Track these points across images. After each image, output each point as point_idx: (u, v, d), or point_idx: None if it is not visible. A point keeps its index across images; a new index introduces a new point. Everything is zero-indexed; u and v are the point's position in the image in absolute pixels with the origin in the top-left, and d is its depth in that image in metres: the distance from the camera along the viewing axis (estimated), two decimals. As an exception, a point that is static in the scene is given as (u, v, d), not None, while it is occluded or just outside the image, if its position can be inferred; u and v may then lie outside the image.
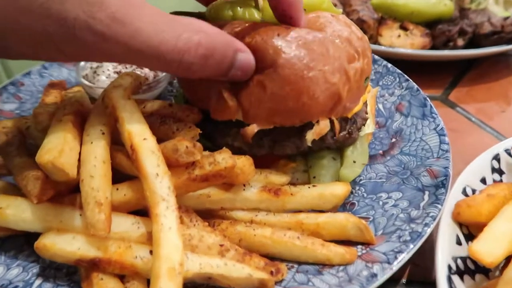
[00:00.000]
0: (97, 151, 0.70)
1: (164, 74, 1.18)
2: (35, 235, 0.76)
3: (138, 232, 0.69)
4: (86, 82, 1.13)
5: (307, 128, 0.82)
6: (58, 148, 0.66)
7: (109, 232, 0.64)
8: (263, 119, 0.79)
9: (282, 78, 0.75)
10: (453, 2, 1.53)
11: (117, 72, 1.17)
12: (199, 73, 0.69)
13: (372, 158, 0.97)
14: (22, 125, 0.90)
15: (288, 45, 0.76)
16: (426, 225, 0.73)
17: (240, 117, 0.81)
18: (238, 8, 0.88)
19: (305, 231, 0.76)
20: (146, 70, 1.19)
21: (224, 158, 0.71)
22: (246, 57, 0.73)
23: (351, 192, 0.88)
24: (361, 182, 0.91)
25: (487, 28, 1.36)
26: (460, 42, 1.37)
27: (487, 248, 0.64)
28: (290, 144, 0.83)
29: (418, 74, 1.23)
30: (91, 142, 0.72)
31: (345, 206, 0.86)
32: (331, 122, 0.81)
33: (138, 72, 1.16)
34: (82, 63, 1.20)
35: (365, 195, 0.88)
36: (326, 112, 0.79)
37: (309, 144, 0.81)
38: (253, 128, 0.80)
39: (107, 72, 1.16)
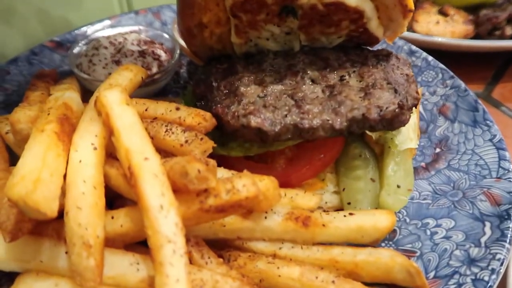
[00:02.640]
0: (87, 172, 0.56)
1: (169, 64, 1.02)
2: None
3: (137, 276, 0.56)
4: (81, 74, 0.98)
5: (344, 102, 0.68)
6: (33, 177, 0.51)
7: (100, 282, 0.51)
8: None
9: None
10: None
11: (115, 61, 1.01)
12: None
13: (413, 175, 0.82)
14: (1, 128, 0.76)
15: None
16: (493, 271, 0.60)
17: None
18: None
19: (340, 270, 0.63)
20: (149, 59, 1.03)
21: (245, 185, 0.57)
22: None
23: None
24: (401, 202, 0.77)
25: (542, 15, 1.18)
26: (509, 30, 1.20)
27: None
28: (322, 121, 0.67)
29: (454, 66, 1.06)
30: (80, 161, 0.57)
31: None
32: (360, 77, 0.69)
33: (140, 63, 1.01)
34: (76, 49, 1.05)
35: (407, 220, 0.74)
36: None
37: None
38: None
39: (104, 62, 1.01)
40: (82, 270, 0.50)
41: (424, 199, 0.77)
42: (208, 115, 0.71)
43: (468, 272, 0.61)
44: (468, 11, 1.26)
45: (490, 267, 0.60)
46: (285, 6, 0.72)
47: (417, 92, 0.74)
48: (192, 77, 1.13)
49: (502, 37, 1.20)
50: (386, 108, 0.68)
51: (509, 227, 0.65)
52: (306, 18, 0.74)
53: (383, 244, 0.70)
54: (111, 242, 0.58)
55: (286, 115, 0.68)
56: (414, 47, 1.08)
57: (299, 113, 0.68)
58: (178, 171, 0.57)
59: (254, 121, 0.68)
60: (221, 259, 0.62)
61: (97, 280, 0.50)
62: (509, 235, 0.64)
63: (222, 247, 0.67)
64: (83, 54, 1.04)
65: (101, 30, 1.15)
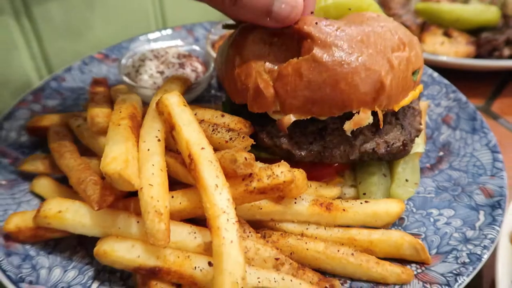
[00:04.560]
0: (154, 158, 0.70)
1: (204, 76, 1.17)
2: (88, 237, 0.77)
3: (194, 242, 0.69)
4: (129, 81, 1.13)
5: (358, 136, 0.81)
6: (123, 158, 0.66)
7: (168, 242, 0.64)
8: (300, 108, 0.77)
9: (319, 65, 0.73)
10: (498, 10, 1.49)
11: (159, 72, 1.16)
12: (244, 6, 0.68)
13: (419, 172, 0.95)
14: (72, 122, 0.90)
15: (326, 33, 0.75)
16: (485, 247, 0.72)
17: (277, 107, 0.79)
18: None
19: (357, 247, 0.76)
20: (188, 71, 1.19)
21: (282, 172, 0.71)
22: None
23: (401, 208, 0.87)
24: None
25: (536, 38, 1.32)
26: (507, 52, 1.33)
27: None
28: (340, 151, 0.82)
29: (458, 83, 1.20)
30: (148, 149, 0.71)
31: (394, 223, 0.84)
32: (375, 115, 0.78)
33: (180, 73, 1.16)
34: (124, 61, 1.20)
35: (414, 210, 0.87)
36: (367, 101, 0.76)
37: (348, 133, 0.78)
38: (289, 118, 0.78)
39: (150, 72, 1.16)
40: (155, 233, 0.63)
41: (429, 193, 0.90)
42: (248, 123, 0.83)
43: (464, 249, 0.73)
44: (470, 33, 1.40)
45: (482, 244, 0.73)
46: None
47: (420, 123, 0.88)
48: (222, 87, 1.28)
49: (501, 57, 1.34)
50: (393, 144, 0.82)
51: (499, 213, 0.77)
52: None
53: (393, 229, 0.82)
54: (171, 216, 0.71)
55: (311, 143, 0.82)
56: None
57: (321, 142, 0.82)
58: (228, 158, 0.71)
59: (285, 143, 0.82)
60: (259, 234, 0.76)
61: (166, 240, 0.64)
62: (499, 220, 0.76)
63: (258, 227, 0.79)
64: (130, 65, 1.19)
65: (142, 44, 1.31)
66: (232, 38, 0.86)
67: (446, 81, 1.15)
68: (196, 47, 1.29)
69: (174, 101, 0.77)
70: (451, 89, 1.13)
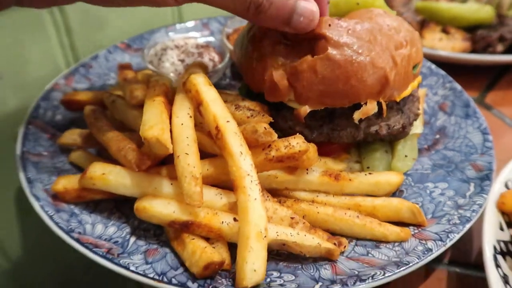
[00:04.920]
0: (188, 131, 0.80)
1: (220, 65, 1.27)
2: (123, 202, 0.87)
3: (221, 202, 0.79)
4: (152, 67, 1.24)
5: (363, 120, 0.91)
6: (159, 126, 0.76)
7: (202, 203, 0.74)
8: (314, 100, 0.88)
9: (333, 63, 0.84)
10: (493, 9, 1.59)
11: (180, 60, 1.27)
12: (266, 17, 0.75)
13: (418, 152, 1.05)
14: (106, 98, 1.00)
15: (338, 34, 0.85)
16: (474, 211, 0.82)
17: (292, 97, 0.90)
18: None
19: (362, 212, 0.86)
20: (206, 59, 1.29)
21: (298, 143, 0.81)
22: (307, 4, 0.77)
23: (401, 181, 0.97)
24: (408, 172, 1.00)
25: (527, 35, 1.42)
26: (500, 48, 1.44)
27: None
28: (346, 133, 0.92)
29: (456, 76, 1.30)
30: (182, 124, 0.81)
31: (394, 193, 0.94)
32: (379, 104, 0.89)
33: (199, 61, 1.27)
34: (146, 50, 1.30)
35: (412, 184, 0.97)
36: (374, 94, 0.87)
37: (356, 121, 0.89)
38: (305, 109, 0.89)
39: (171, 60, 1.26)
40: (192, 194, 0.73)
41: (426, 170, 1.00)
42: (266, 107, 0.94)
43: (455, 213, 0.84)
44: (466, 30, 1.51)
45: (471, 209, 0.83)
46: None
47: (418, 108, 0.98)
48: (236, 76, 1.38)
49: (494, 52, 1.44)
50: (394, 126, 0.93)
51: (487, 184, 0.88)
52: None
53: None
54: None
55: (321, 126, 0.92)
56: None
57: (330, 125, 0.92)
58: (250, 130, 0.81)
59: (298, 126, 0.92)
60: (275, 199, 0.86)
61: (201, 201, 0.73)
62: (487, 189, 0.87)
63: (274, 195, 0.89)
64: (153, 53, 1.30)
65: (162, 36, 1.41)
66: (251, 34, 0.96)
67: (443, 72, 1.26)
68: (212, 39, 1.39)
69: (201, 81, 0.87)
70: (447, 79, 1.23)
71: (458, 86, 1.20)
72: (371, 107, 0.88)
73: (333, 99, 0.88)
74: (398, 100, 0.92)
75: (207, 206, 0.78)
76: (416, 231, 0.82)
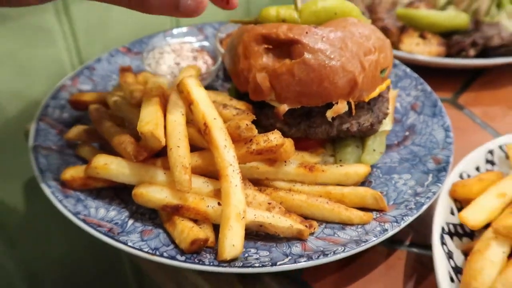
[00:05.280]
0: (180, 128, 0.92)
1: (213, 68, 1.39)
2: (122, 190, 1.00)
3: (208, 189, 0.91)
4: (151, 70, 1.36)
5: (336, 119, 1.03)
6: (154, 122, 0.88)
7: (191, 189, 0.86)
8: (292, 100, 1.00)
9: (308, 67, 0.96)
10: (469, 16, 1.71)
11: (176, 63, 1.39)
12: (151, 5, 0.73)
13: (388, 147, 1.17)
14: (109, 98, 1.13)
15: (314, 41, 0.97)
16: (428, 198, 0.94)
17: (273, 97, 1.02)
18: (281, 10, 1.09)
19: (332, 199, 0.98)
20: (200, 63, 1.41)
21: (275, 138, 0.93)
22: None
23: (370, 173, 1.09)
24: (378, 165, 1.12)
25: (497, 41, 1.54)
26: (472, 52, 1.55)
27: (473, 215, 0.84)
28: (321, 129, 1.04)
29: (433, 78, 1.42)
30: (175, 120, 0.94)
31: (364, 183, 1.06)
32: (349, 104, 1.01)
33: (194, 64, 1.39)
34: (145, 54, 1.42)
35: (380, 175, 1.09)
36: (344, 95, 0.98)
37: (329, 119, 1.00)
38: (284, 108, 1.01)
39: (168, 63, 1.38)
40: (182, 181, 0.84)
41: (394, 163, 1.11)
42: (250, 106, 1.06)
43: (413, 200, 0.95)
44: (443, 36, 1.62)
45: (426, 196, 0.94)
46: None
47: (387, 108, 1.10)
48: (227, 78, 1.50)
49: (467, 57, 1.56)
50: (363, 124, 1.04)
51: (443, 175, 0.99)
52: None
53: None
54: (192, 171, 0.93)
55: (299, 123, 1.04)
56: (397, 61, 1.44)
57: (307, 122, 1.04)
58: (234, 125, 0.93)
59: (278, 123, 1.04)
60: (256, 187, 0.98)
61: (190, 187, 0.84)
62: (442, 180, 0.98)
63: (255, 185, 1.01)
64: (151, 57, 1.42)
65: (160, 40, 1.53)
66: (238, 39, 1.08)
67: (415, 75, 1.38)
68: (206, 43, 1.51)
69: (192, 83, 0.99)
70: (419, 81, 1.35)
71: (428, 88, 1.31)
72: (341, 106, 1.00)
73: (308, 99, 1.00)
74: (367, 100, 1.04)
75: (195, 192, 0.91)
76: (378, 215, 0.94)
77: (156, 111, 0.93)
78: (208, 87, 1.46)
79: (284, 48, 1.01)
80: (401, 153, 1.15)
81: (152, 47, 1.46)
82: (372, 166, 1.11)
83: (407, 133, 1.21)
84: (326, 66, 0.96)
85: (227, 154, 0.88)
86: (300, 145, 1.07)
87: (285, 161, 1.00)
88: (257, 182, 1.02)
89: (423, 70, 1.45)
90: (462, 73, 1.63)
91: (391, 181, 1.06)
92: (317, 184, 1.01)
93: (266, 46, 1.02)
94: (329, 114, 1.00)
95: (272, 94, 1.02)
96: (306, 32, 0.98)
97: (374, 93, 1.05)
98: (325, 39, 0.98)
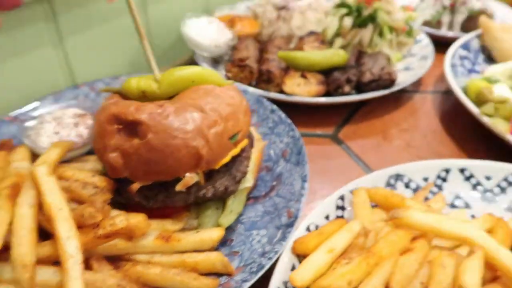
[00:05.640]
0: (26, 222, 0.96)
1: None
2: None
3: (56, 279, 0.95)
4: (28, 143, 1.37)
5: (193, 186, 1.09)
6: (-7, 226, 0.91)
7: (34, 286, 0.89)
8: (143, 177, 1.06)
9: (152, 147, 1.02)
10: (350, 50, 1.82)
11: (55, 133, 1.41)
12: None
13: (255, 199, 1.24)
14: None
15: (158, 121, 1.02)
16: (270, 259, 1.01)
17: (128, 175, 1.07)
18: (142, 81, 1.14)
19: (187, 267, 1.03)
20: (81, 129, 1.44)
21: (121, 220, 0.98)
22: None
23: (233, 230, 1.16)
24: (243, 220, 1.19)
25: (368, 77, 1.65)
26: (347, 88, 1.66)
27: (300, 275, 0.92)
28: (179, 198, 1.10)
29: (315, 115, 1.51)
30: (22, 214, 0.96)
31: (225, 242, 1.13)
32: (199, 174, 1.07)
33: (74, 132, 1.41)
34: (26, 124, 1.44)
35: (242, 232, 1.15)
36: (190, 168, 1.04)
37: (178, 190, 1.05)
38: (136, 185, 1.07)
39: (47, 133, 1.40)
40: (22, 281, 0.87)
41: (257, 217, 1.19)
42: (111, 181, 1.10)
43: (258, 261, 1.02)
44: (325, 73, 1.73)
45: (269, 256, 1.01)
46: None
47: (247, 166, 1.17)
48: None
49: (343, 93, 1.66)
50: (218, 188, 1.10)
51: (289, 231, 1.06)
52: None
53: (223, 249, 1.11)
54: (43, 261, 0.97)
55: (157, 194, 1.08)
56: (274, 107, 1.51)
57: (165, 193, 1.09)
58: (78, 214, 0.97)
59: (136, 197, 1.08)
60: (111, 266, 1.02)
61: (31, 284, 0.88)
62: (288, 237, 1.05)
63: (118, 260, 1.06)
64: (30, 128, 1.43)
65: (46, 105, 1.55)
66: (96, 117, 1.13)
67: (289, 121, 1.45)
68: (97, 103, 1.54)
69: (43, 172, 1.03)
70: (291, 127, 1.43)
71: (297, 134, 1.39)
72: (189, 179, 1.06)
73: (157, 176, 1.06)
74: (217, 167, 1.10)
75: (46, 284, 0.94)
76: (226, 280, 1.01)
77: (0, 209, 0.95)
78: (91, 152, 1.49)
79: (133, 128, 1.06)
80: (266, 205, 1.22)
81: (35, 115, 1.48)
82: (238, 222, 1.18)
83: (274, 183, 1.29)
84: (169, 145, 1.02)
85: (68, 246, 0.92)
86: (164, 212, 1.13)
87: (143, 235, 1.05)
88: (119, 257, 1.06)
89: (307, 108, 1.54)
90: (345, 106, 1.74)
91: (249, 238, 1.13)
92: (175, 253, 1.06)
93: (117, 126, 1.07)
94: (179, 187, 1.06)
95: (127, 171, 1.07)
96: (151, 113, 1.03)
97: (225, 159, 1.12)
98: (170, 118, 1.04)
